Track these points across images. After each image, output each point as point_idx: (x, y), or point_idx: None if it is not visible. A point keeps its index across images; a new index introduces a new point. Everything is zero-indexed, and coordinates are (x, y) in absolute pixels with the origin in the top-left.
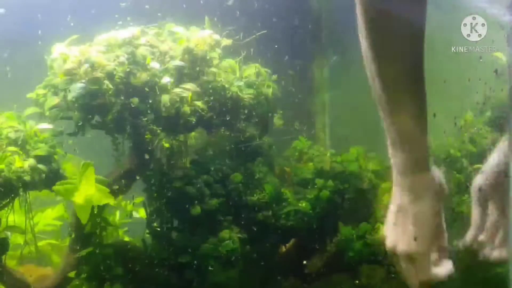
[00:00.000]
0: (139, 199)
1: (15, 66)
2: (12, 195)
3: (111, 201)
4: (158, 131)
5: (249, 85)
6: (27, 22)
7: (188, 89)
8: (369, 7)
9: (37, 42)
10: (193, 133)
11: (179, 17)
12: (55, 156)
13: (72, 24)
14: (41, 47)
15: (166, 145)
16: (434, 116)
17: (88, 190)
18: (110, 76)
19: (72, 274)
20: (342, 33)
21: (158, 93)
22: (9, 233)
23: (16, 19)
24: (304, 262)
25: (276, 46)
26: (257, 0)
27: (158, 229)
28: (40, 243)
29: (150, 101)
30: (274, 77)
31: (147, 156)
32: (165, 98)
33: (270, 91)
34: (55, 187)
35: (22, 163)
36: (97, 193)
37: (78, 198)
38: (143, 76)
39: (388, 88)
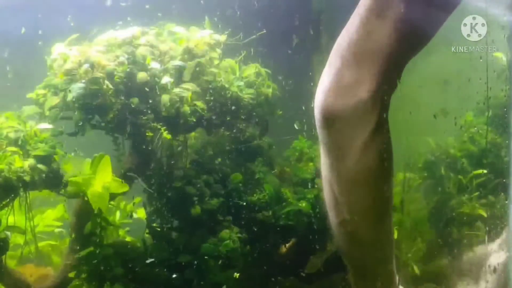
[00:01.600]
0: (138, 199)
1: (15, 66)
2: (12, 195)
3: (126, 189)
4: (159, 127)
5: (249, 85)
6: (27, 22)
7: (188, 89)
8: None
9: (37, 42)
10: (193, 133)
11: (180, 17)
12: (55, 156)
13: (72, 24)
14: (41, 47)
15: (168, 136)
16: (435, 118)
17: (105, 179)
18: (110, 76)
19: (72, 274)
20: None
21: (158, 93)
22: (9, 233)
23: (16, 19)
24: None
25: (276, 46)
26: (258, 0)
27: (158, 229)
28: (40, 244)
29: (150, 101)
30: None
31: (147, 156)
32: (165, 98)
33: (270, 91)
34: (71, 179)
35: (22, 163)
36: (113, 182)
37: (96, 187)
38: (143, 76)
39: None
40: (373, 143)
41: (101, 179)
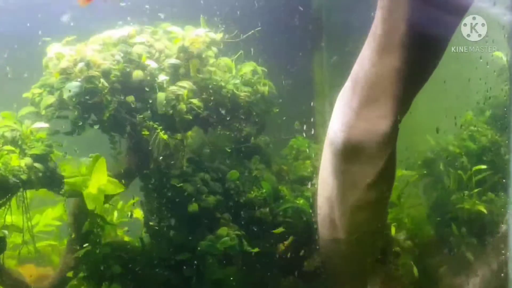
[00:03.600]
0: (136, 199)
1: (15, 66)
2: (9, 194)
3: (122, 190)
4: (155, 126)
5: (245, 83)
6: (27, 22)
7: (183, 87)
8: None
9: (37, 42)
10: (189, 132)
11: (180, 17)
12: (52, 155)
13: (71, 24)
14: (41, 47)
15: (164, 137)
16: (437, 132)
17: (100, 181)
18: (105, 74)
19: (70, 273)
20: (342, 33)
21: (154, 91)
22: (6, 232)
23: (16, 19)
24: None
25: (276, 46)
26: (258, 0)
27: (156, 227)
28: (39, 243)
29: (146, 100)
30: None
31: (144, 155)
32: (161, 96)
33: (266, 89)
34: (66, 180)
35: (19, 162)
36: (109, 183)
37: (91, 188)
38: (139, 74)
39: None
40: (385, 172)
41: (97, 181)
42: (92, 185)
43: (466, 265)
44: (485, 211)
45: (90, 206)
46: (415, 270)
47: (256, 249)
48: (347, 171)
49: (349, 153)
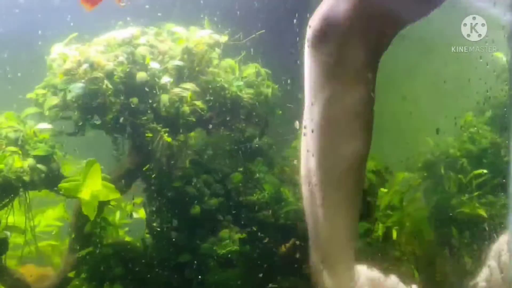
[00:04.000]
0: (139, 200)
1: (15, 66)
2: (12, 195)
3: (116, 196)
4: (159, 128)
5: (248, 85)
6: (27, 22)
7: (187, 88)
8: None
9: (37, 42)
10: (192, 133)
11: (180, 17)
12: (55, 156)
13: (72, 24)
14: (41, 47)
15: (168, 139)
16: (437, 133)
17: (94, 186)
18: (109, 76)
19: (72, 274)
20: None
21: (157, 93)
22: (8, 233)
23: (16, 19)
24: None
25: (275, 47)
26: (257, 0)
27: (158, 229)
28: (40, 244)
29: (150, 101)
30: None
31: (147, 156)
32: (164, 98)
33: (269, 91)
34: (60, 185)
35: (22, 163)
36: (103, 189)
37: (84, 194)
38: (143, 76)
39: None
40: (356, 121)
41: (90, 187)
42: (85, 191)
43: (466, 267)
44: (485, 214)
45: (85, 211)
46: (416, 274)
47: (258, 252)
48: (319, 62)
49: (320, 34)
